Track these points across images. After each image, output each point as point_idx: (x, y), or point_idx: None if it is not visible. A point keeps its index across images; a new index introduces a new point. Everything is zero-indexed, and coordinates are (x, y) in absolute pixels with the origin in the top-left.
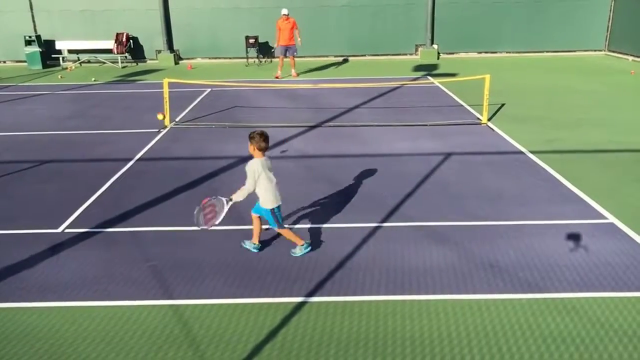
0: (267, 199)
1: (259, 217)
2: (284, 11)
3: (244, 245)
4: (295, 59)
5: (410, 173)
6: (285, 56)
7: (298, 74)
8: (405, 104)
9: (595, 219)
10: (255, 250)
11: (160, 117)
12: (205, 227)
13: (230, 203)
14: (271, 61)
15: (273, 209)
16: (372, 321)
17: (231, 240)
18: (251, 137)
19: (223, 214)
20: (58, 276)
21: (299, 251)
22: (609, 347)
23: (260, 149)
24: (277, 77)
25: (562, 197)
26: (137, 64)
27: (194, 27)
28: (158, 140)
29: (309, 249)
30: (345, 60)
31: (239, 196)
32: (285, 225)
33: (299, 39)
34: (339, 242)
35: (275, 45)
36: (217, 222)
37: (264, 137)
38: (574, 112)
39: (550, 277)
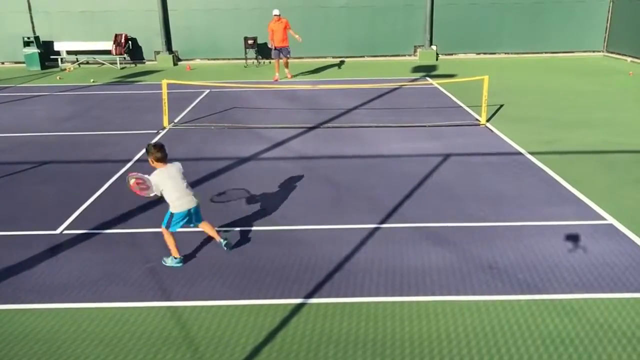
0: (173, 206)
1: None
2: (275, 12)
3: (165, 264)
4: (289, 59)
5: (409, 174)
6: (279, 58)
7: (293, 75)
8: (404, 105)
9: (594, 220)
10: (179, 265)
11: None
12: (134, 189)
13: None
14: (269, 62)
15: (174, 213)
16: (371, 322)
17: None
18: (147, 151)
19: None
20: (56, 277)
21: (169, 262)
22: (608, 348)
23: (157, 160)
24: (275, 80)
25: (561, 198)
26: (135, 65)
27: (193, 28)
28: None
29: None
30: (344, 62)
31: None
32: (172, 231)
33: (297, 37)
34: (338, 243)
35: (271, 47)
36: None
37: (159, 147)
38: (573, 113)
39: (549, 278)
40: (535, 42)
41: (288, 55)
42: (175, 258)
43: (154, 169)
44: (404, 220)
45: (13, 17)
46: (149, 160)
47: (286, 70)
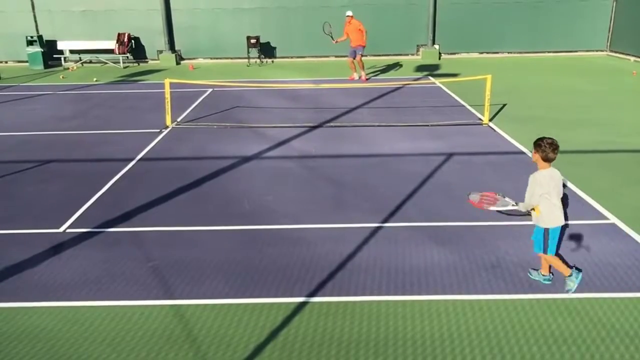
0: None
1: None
2: (348, 13)
3: (532, 277)
4: (363, 58)
5: (411, 173)
6: (354, 57)
7: (368, 78)
8: (407, 104)
9: (597, 219)
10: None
11: None
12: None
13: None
14: (272, 61)
15: (548, 229)
16: (373, 322)
17: (232, 240)
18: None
19: (500, 208)
20: (59, 276)
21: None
22: (610, 348)
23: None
24: (352, 79)
25: (563, 197)
26: (138, 64)
27: (196, 28)
28: (159, 140)
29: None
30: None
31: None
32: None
33: (341, 39)
34: (340, 243)
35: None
36: (489, 208)
37: (555, 146)
38: (576, 113)
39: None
40: (538, 42)
41: (360, 53)
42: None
43: None
44: (405, 220)
45: (16, 16)
46: (534, 155)
47: (362, 72)
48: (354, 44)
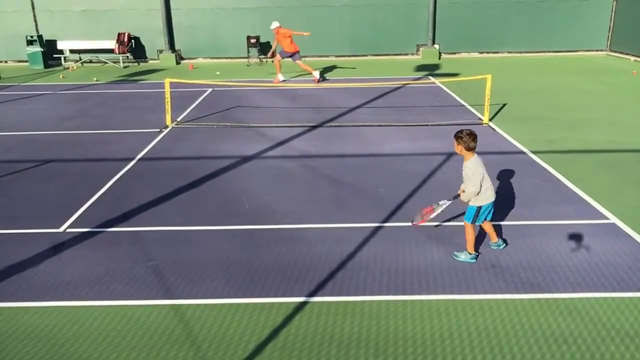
0: (480, 198)
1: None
2: (272, 25)
3: (458, 259)
4: (299, 61)
5: (411, 173)
6: (286, 58)
7: (320, 80)
8: (407, 104)
9: (597, 219)
10: (472, 261)
11: None
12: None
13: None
14: (272, 61)
15: (481, 206)
16: (374, 321)
17: (232, 240)
18: (458, 137)
19: (439, 210)
20: (59, 276)
21: (463, 257)
22: (611, 348)
23: (469, 149)
24: (276, 82)
25: (563, 197)
26: (138, 64)
27: (196, 27)
28: (159, 140)
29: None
30: (347, 60)
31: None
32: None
33: (305, 33)
34: (340, 242)
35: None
36: (431, 217)
37: (474, 136)
38: (576, 112)
39: (552, 278)
40: (539, 41)
41: (299, 58)
42: (470, 254)
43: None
44: (406, 219)
45: (16, 16)
46: (458, 147)
47: (279, 75)
48: (290, 49)
